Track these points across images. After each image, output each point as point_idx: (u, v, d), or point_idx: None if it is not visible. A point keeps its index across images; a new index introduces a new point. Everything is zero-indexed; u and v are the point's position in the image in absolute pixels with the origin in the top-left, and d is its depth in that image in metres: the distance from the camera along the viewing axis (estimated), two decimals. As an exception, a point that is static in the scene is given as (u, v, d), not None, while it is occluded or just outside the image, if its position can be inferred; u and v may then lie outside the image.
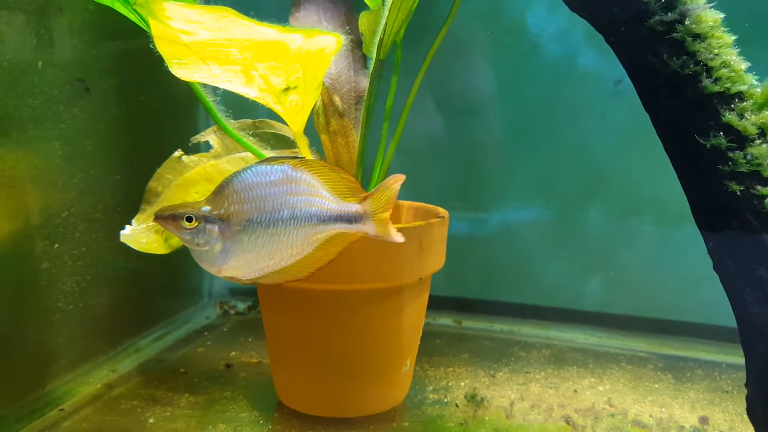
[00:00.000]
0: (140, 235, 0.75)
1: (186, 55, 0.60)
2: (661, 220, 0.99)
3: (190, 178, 0.77)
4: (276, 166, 0.55)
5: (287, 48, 0.59)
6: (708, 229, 0.53)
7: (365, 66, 0.83)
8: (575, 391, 0.82)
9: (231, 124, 0.73)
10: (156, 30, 0.58)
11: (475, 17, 1.03)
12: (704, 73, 0.51)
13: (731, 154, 0.50)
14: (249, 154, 0.77)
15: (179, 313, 1.01)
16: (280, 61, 0.60)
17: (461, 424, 0.72)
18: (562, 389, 0.82)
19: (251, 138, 0.76)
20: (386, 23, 0.70)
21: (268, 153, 0.79)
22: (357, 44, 0.81)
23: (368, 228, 0.57)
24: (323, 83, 0.76)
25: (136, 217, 0.75)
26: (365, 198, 0.57)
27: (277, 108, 0.65)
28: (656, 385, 0.84)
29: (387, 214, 0.58)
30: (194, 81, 0.62)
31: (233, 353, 0.90)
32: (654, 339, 0.99)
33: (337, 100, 0.76)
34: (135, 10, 0.62)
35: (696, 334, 0.99)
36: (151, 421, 0.71)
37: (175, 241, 0.74)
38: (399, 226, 0.69)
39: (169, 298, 0.99)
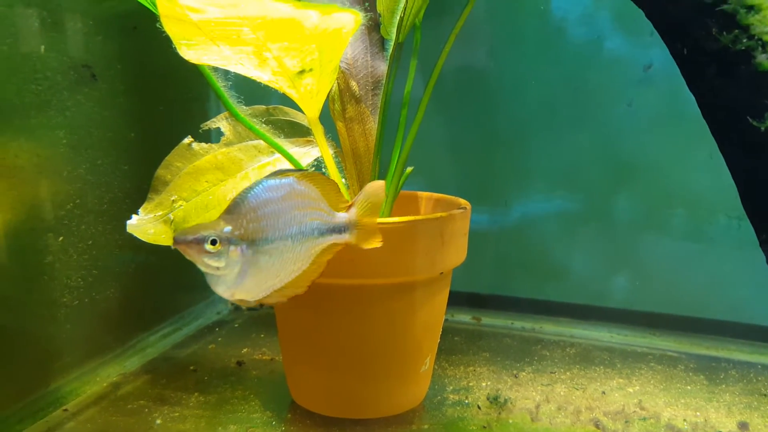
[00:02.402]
0: (147, 225, 0.71)
1: (195, 35, 0.56)
2: (691, 213, 0.94)
3: (200, 166, 0.73)
4: (284, 180, 0.53)
5: (302, 26, 0.55)
6: (761, 221, 0.48)
7: (383, 49, 0.78)
8: (603, 392, 0.77)
9: (243, 110, 0.69)
10: (163, 8, 0.55)
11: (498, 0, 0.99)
12: (759, 48, 0.46)
13: (790, 138, 0.45)
14: (261, 142, 0.73)
15: (189, 309, 0.97)
16: (294, 41, 0.56)
17: (484, 427, 0.68)
18: (589, 390, 0.78)
19: (264, 125, 0.73)
20: (407, 2, 0.66)
21: (281, 141, 0.75)
22: (374, 26, 0.77)
23: (352, 237, 0.56)
24: (339, 67, 0.72)
25: (144, 206, 0.72)
26: (350, 206, 0.57)
27: (291, 92, 0.61)
28: (688, 387, 0.80)
29: (373, 220, 0.57)
30: (204, 63, 0.59)
31: (245, 350, 0.86)
32: (683, 338, 0.94)
33: (353, 84, 0.72)
34: (141, -13, 0.58)
35: (728, 332, 0.94)
36: (158, 422, 0.68)
37: (184, 233, 0.70)
38: (419, 217, 0.65)
39: (179, 293, 0.96)
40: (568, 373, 0.82)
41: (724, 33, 0.47)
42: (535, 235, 1.00)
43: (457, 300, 0.98)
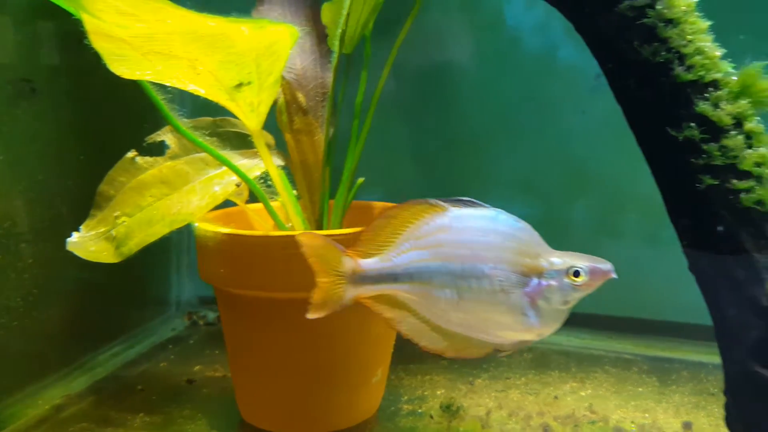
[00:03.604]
0: (89, 242, 0.70)
1: (125, 50, 0.55)
2: (644, 217, 0.95)
3: (145, 180, 0.72)
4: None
5: (234, 40, 0.54)
6: (683, 227, 0.49)
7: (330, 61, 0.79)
8: (556, 397, 0.78)
9: (185, 123, 0.68)
10: (89, 25, 0.54)
11: (453, 11, 1.00)
12: (677, 61, 0.47)
13: (705, 146, 0.47)
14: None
15: (143, 326, 0.95)
16: (228, 55, 0.56)
17: (435, 437, 0.68)
18: (542, 395, 0.78)
19: (209, 138, 0.72)
20: (348, 14, 0.67)
21: (229, 153, 0.74)
22: (323, 39, 0.77)
23: None
24: (284, 79, 0.72)
25: (85, 223, 0.70)
26: None
27: (231, 105, 0.61)
28: (640, 389, 0.81)
29: None
30: (138, 78, 0.58)
31: (197, 367, 0.85)
32: (640, 340, 0.96)
33: (300, 96, 0.72)
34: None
35: (683, 334, 0.96)
36: (101, 443, 0.66)
37: (127, 249, 0.69)
38: (359, 229, 0.65)
39: (131, 310, 0.94)
40: (523, 379, 0.83)
41: (645, 46, 0.48)
42: (493, 241, 1.01)
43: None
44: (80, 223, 0.70)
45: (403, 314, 0.46)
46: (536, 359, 0.89)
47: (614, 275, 0.43)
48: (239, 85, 0.58)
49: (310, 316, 0.44)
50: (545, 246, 0.44)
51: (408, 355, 0.89)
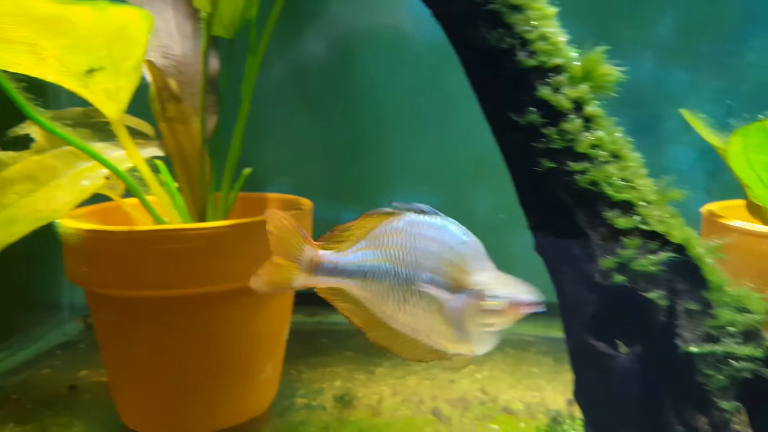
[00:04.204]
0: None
1: (-43, 33, 0.51)
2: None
3: (8, 177, 0.67)
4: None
5: (76, 24, 0.51)
6: (528, 208, 0.50)
7: (216, 48, 0.76)
8: (451, 381, 0.79)
9: (45, 114, 0.64)
10: None
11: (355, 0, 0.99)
12: (519, 46, 0.48)
13: (545, 130, 0.47)
14: (77, 148, 0.68)
15: (28, 331, 0.90)
16: (72, 38, 0.52)
17: (323, 428, 0.67)
18: (438, 380, 0.79)
19: (76, 129, 0.68)
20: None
21: (100, 145, 0.70)
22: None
23: None
24: (156, 65, 0.69)
25: (-56, 225, 0.65)
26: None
27: (84, 93, 0.57)
28: (534, 369, 0.83)
29: None
30: (-24, 65, 0.54)
31: (83, 373, 0.81)
32: (540, 322, 0.98)
33: (172, 83, 0.69)
34: None
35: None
36: (-36, 458, 0.62)
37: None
38: (243, 220, 0.63)
39: (15, 314, 0.88)
40: (423, 365, 0.83)
41: (491, 32, 0.48)
42: (399, 231, 1.01)
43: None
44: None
45: (355, 307, 0.46)
46: (438, 345, 0.90)
47: (539, 308, 0.42)
48: (90, 71, 0.55)
49: (252, 285, 0.43)
50: (485, 263, 0.44)
51: (311, 349, 0.88)
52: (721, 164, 0.84)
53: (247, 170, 0.75)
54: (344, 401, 0.73)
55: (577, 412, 0.70)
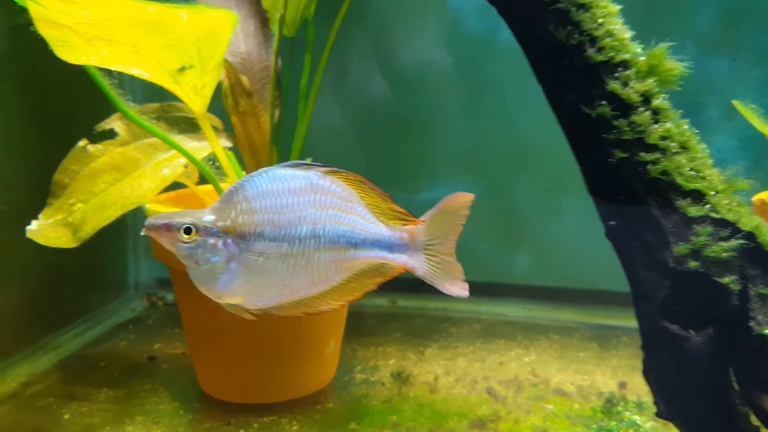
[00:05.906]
0: (48, 230, 0.72)
1: (70, 37, 0.56)
2: (584, 193, 1.00)
3: (97, 167, 0.74)
4: (299, 172, 0.44)
5: (174, 26, 0.56)
6: (598, 197, 0.54)
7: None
8: (501, 363, 0.83)
9: (132, 108, 0.70)
10: (34, 12, 0.55)
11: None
12: (588, 43, 0.51)
13: (616, 122, 0.50)
14: (158, 140, 0.74)
15: (103, 307, 0.97)
16: (170, 39, 0.58)
17: (386, 401, 0.72)
18: (488, 362, 0.83)
19: (158, 122, 0.74)
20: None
21: (176, 137, 0.76)
22: (267, 23, 0.79)
23: (414, 263, 0.45)
24: (228, 62, 0.74)
25: (43, 211, 0.72)
26: (418, 225, 0.45)
27: (175, 88, 0.63)
28: (581, 354, 0.86)
29: (449, 250, 0.46)
30: (83, 63, 0.59)
31: (157, 345, 0.88)
32: (583, 309, 1.01)
33: (244, 79, 0.74)
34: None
35: (623, 302, 1.01)
36: (66, 416, 0.69)
37: (84, 233, 0.71)
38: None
39: (90, 292, 0.96)
40: (470, 347, 0.88)
41: (560, 29, 0.51)
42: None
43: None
44: (39, 209, 0.71)
45: None
46: (484, 329, 0.94)
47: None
48: (182, 69, 0.61)
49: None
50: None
51: (361, 330, 0.94)
52: (763, 153, 0.85)
53: (308, 159, 0.80)
54: (401, 378, 0.78)
55: (630, 395, 0.74)
